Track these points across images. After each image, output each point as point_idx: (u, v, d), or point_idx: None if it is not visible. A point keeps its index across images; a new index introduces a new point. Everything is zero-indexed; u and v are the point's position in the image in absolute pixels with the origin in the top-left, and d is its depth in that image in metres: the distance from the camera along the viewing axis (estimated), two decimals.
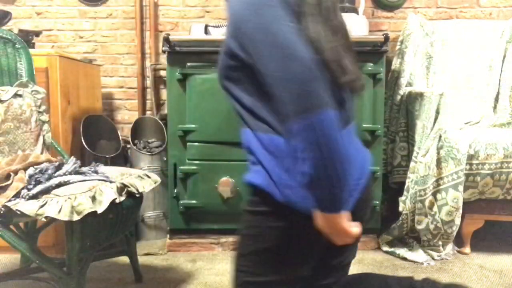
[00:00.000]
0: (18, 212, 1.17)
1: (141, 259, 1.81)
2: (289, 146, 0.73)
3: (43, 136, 1.65)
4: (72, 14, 2.55)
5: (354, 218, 0.76)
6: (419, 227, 1.93)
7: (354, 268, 1.08)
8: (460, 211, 1.85)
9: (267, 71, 0.71)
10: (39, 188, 1.24)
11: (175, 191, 1.98)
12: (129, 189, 1.39)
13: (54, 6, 2.54)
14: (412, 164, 1.97)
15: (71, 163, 1.43)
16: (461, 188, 1.83)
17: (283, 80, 0.69)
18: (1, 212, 1.20)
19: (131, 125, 2.30)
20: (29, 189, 1.25)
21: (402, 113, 2.15)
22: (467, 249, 1.99)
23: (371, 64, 1.96)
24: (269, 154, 0.78)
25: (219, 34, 2.13)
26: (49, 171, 1.35)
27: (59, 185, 1.28)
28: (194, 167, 1.95)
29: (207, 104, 1.91)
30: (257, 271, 0.83)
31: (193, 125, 1.93)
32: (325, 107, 0.67)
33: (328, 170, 0.68)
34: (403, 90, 2.19)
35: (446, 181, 1.84)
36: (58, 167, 1.40)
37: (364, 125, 1.95)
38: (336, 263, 0.93)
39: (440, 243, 1.93)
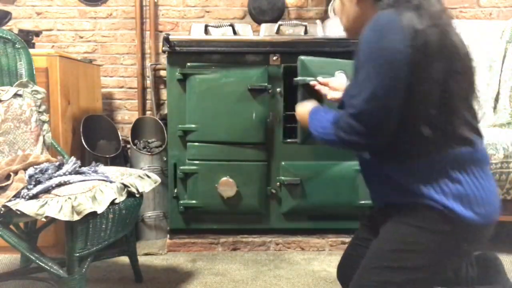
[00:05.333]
0: (18, 212, 1.17)
1: (141, 259, 1.81)
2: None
3: (43, 136, 1.65)
4: (72, 14, 2.55)
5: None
6: None
7: None
8: None
9: None
10: (39, 188, 1.24)
11: (175, 191, 1.98)
12: (129, 189, 1.40)
13: (54, 6, 2.54)
14: None
15: (71, 163, 1.42)
16: None
17: None
18: (1, 212, 1.20)
19: (131, 125, 2.30)
20: (29, 189, 1.25)
21: None
22: None
23: None
24: None
25: (219, 34, 2.13)
26: (49, 171, 1.35)
27: (59, 185, 1.28)
28: (194, 167, 1.95)
29: (207, 104, 1.91)
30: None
31: (193, 125, 1.93)
32: None
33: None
34: None
35: None
36: (58, 167, 1.40)
37: None
38: None
39: None
